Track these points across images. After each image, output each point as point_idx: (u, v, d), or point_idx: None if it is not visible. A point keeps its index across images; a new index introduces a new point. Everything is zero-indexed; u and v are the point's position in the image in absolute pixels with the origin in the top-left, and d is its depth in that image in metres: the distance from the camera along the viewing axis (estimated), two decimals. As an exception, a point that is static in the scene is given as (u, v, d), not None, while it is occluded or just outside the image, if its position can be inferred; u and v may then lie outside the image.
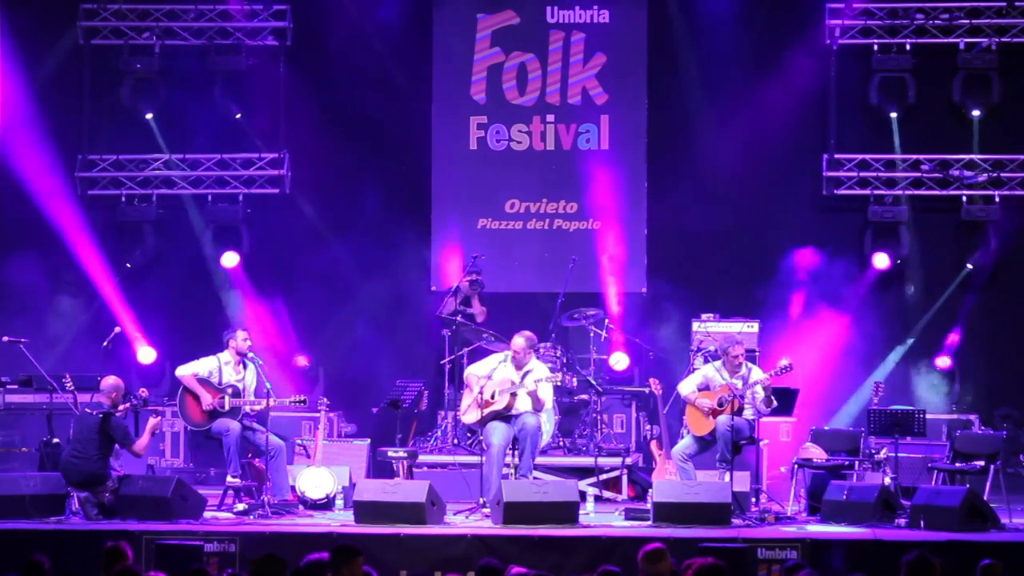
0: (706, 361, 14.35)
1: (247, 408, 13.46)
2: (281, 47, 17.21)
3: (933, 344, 16.31)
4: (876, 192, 16.62)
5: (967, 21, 16.51)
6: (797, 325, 16.19)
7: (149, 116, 17.08)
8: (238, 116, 17.06)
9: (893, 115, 16.53)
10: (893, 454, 13.25)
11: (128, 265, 17.01)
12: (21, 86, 16.95)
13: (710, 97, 16.78)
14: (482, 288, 15.77)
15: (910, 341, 16.40)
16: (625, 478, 14.52)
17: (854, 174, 16.67)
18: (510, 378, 13.31)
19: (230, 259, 16.91)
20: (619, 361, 16.05)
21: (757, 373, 13.41)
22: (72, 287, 16.89)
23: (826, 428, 14.28)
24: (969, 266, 16.46)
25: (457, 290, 15.64)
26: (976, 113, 16.46)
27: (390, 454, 13.95)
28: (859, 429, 13.84)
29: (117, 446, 12.93)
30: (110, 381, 13.11)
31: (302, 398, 13.82)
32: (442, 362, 15.45)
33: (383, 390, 15.08)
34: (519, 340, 13.39)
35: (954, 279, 16.55)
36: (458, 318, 15.35)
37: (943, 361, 16.19)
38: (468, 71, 17.17)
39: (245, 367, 13.65)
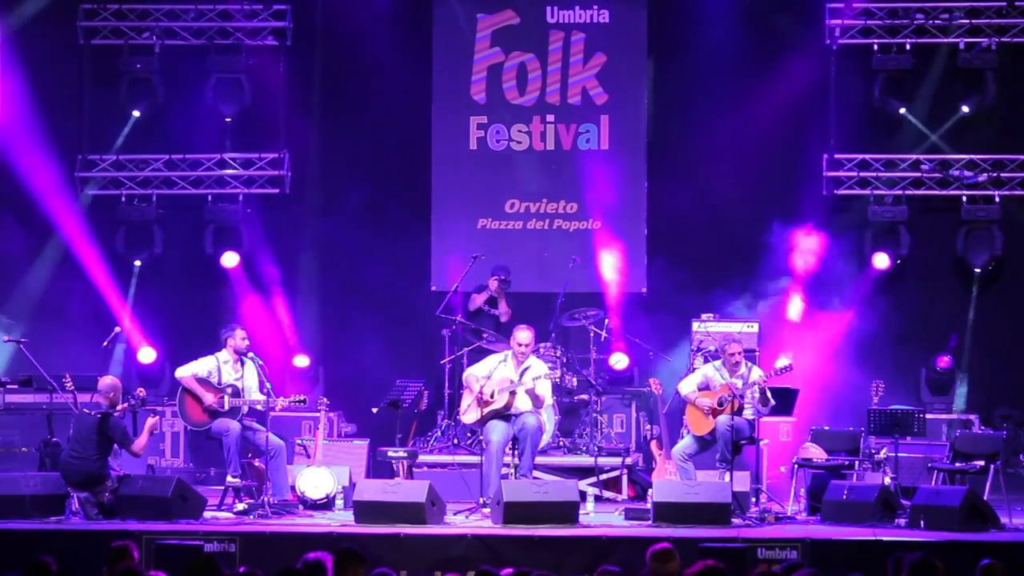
0: (706, 361, 14.35)
1: (257, 405, 13.45)
2: (281, 47, 17.21)
3: (933, 344, 16.31)
4: (876, 192, 16.61)
5: (967, 21, 16.50)
6: (797, 325, 16.18)
7: (136, 113, 17.07)
8: (227, 120, 17.04)
9: (903, 110, 16.50)
10: (893, 454, 13.24)
11: (137, 263, 17.01)
12: (21, 86, 16.94)
13: (710, 97, 16.77)
14: (508, 288, 15.75)
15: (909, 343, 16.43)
16: (625, 478, 14.52)
17: (854, 174, 16.67)
18: (509, 377, 13.32)
19: (230, 259, 16.90)
20: (619, 361, 16.03)
21: (757, 372, 13.42)
22: (71, 286, 16.87)
23: (826, 428, 14.26)
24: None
25: (457, 290, 15.64)
26: (965, 109, 16.43)
27: (390, 454, 13.94)
28: (859, 429, 13.83)
29: (116, 446, 12.93)
30: (108, 381, 13.11)
31: (302, 397, 13.80)
32: (442, 362, 15.45)
33: (383, 390, 15.07)
34: (526, 334, 13.35)
35: (954, 279, 16.56)
36: (457, 318, 15.34)
37: (943, 361, 16.17)
38: (468, 71, 17.16)
39: (243, 365, 13.64)
